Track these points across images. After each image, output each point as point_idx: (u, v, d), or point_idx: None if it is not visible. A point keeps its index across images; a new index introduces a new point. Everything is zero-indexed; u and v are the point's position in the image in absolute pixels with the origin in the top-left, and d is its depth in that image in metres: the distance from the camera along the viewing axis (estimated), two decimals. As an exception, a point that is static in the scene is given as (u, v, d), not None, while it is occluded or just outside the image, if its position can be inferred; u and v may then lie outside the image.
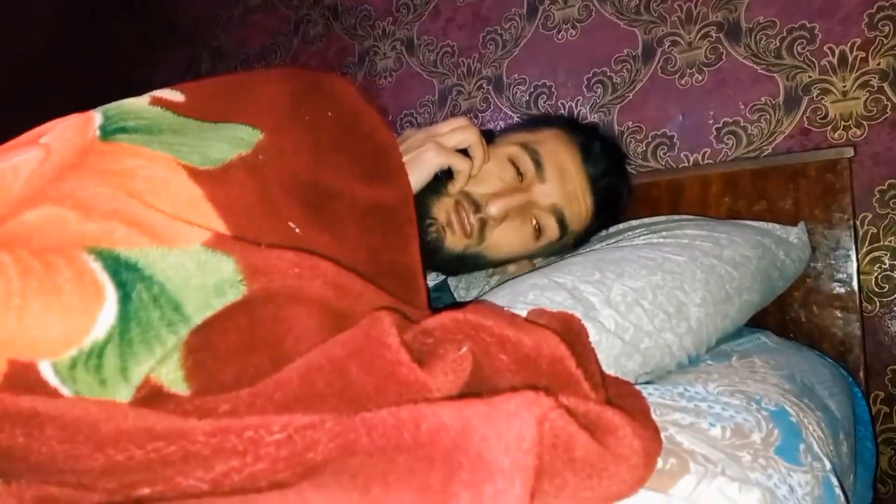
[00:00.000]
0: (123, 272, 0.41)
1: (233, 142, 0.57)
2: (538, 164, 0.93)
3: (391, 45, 1.84)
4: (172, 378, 0.42)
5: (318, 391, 0.39)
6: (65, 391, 0.38)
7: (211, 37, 2.35)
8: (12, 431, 0.33)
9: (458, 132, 0.84)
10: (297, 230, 0.56)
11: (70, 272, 0.39)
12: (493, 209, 0.89)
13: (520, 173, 0.93)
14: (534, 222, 0.95)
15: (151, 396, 0.41)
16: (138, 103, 0.56)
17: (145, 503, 0.33)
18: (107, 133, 0.51)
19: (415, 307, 0.65)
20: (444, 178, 0.87)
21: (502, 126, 1.60)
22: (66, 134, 0.49)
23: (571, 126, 1.02)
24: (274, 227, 0.54)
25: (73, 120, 0.51)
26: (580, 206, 0.97)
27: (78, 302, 0.38)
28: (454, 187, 0.88)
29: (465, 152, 0.86)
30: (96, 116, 0.52)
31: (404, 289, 0.67)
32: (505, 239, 0.94)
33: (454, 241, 0.91)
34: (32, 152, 0.46)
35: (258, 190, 0.55)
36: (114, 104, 0.56)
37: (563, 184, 0.94)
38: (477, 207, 0.90)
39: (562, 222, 0.95)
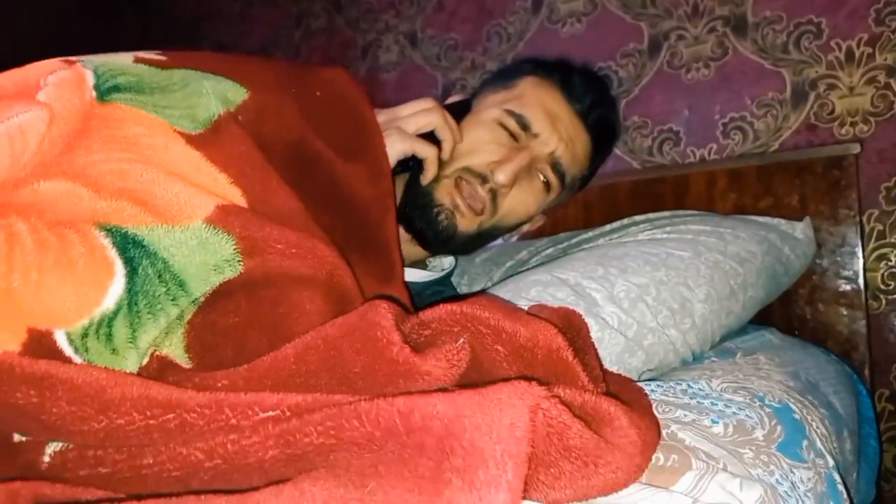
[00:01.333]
0: (131, 248, 0.43)
1: (219, 97, 0.57)
2: (525, 126, 0.90)
3: (394, 39, 1.83)
4: (174, 349, 0.45)
5: (312, 369, 0.40)
6: (78, 360, 0.40)
7: (212, 30, 2.35)
8: (27, 392, 0.35)
9: (421, 115, 0.80)
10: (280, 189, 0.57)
11: (83, 247, 0.41)
12: (502, 177, 0.86)
13: (512, 135, 0.90)
14: (541, 177, 0.92)
15: (157, 367, 0.44)
16: (122, 59, 0.57)
17: (146, 495, 0.34)
18: (102, 93, 0.51)
19: (390, 279, 0.66)
20: (413, 166, 0.83)
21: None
22: (63, 93, 0.49)
23: (544, 67, 0.99)
24: (266, 179, 0.55)
25: (64, 74, 0.51)
26: (576, 147, 0.94)
27: (90, 276, 0.41)
28: (425, 178, 0.85)
29: (433, 136, 0.82)
30: (87, 74, 0.52)
31: (379, 261, 0.67)
32: (518, 203, 0.92)
33: (467, 223, 0.89)
34: (34, 112, 0.47)
35: (248, 144, 0.56)
36: (98, 58, 0.55)
37: (557, 129, 0.91)
38: (483, 179, 0.87)
39: (558, 168, 0.92)
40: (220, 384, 0.40)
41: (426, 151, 0.80)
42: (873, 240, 1.16)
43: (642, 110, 1.42)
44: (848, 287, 1.14)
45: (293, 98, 0.65)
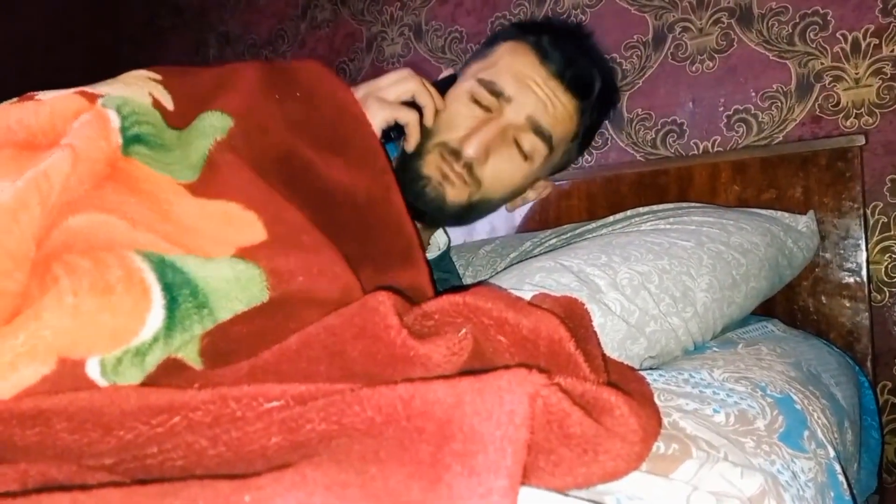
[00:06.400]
0: (169, 273, 0.44)
1: (207, 132, 0.60)
2: (497, 93, 0.89)
3: (399, 31, 1.83)
4: (189, 353, 0.46)
5: (314, 355, 0.41)
6: (102, 383, 0.39)
7: (218, 21, 2.35)
8: (23, 433, 0.34)
9: (399, 83, 0.81)
10: (285, 204, 0.58)
11: (120, 270, 0.41)
12: (471, 149, 0.87)
13: (484, 107, 0.90)
14: (520, 145, 0.91)
15: (167, 369, 0.44)
16: (143, 102, 0.58)
17: (150, 480, 0.34)
18: (127, 141, 0.53)
19: (409, 255, 0.67)
20: (393, 134, 0.83)
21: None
22: (87, 133, 0.50)
23: (520, 30, 0.97)
24: (272, 197, 0.57)
25: (88, 118, 0.51)
26: (556, 108, 0.92)
27: (129, 303, 0.41)
28: (409, 144, 0.85)
29: (416, 106, 0.83)
30: (111, 116, 0.53)
31: (396, 237, 0.68)
32: (498, 173, 0.91)
33: (457, 193, 0.90)
34: (56, 154, 0.47)
35: (245, 168, 0.58)
36: (115, 92, 0.56)
37: (531, 93, 0.90)
38: (457, 154, 0.88)
39: (540, 131, 0.91)
40: (224, 379, 0.41)
41: (407, 116, 0.81)
42: (877, 232, 1.16)
43: (646, 102, 1.41)
44: (851, 279, 1.14)
45: (277, 105, 0.67)
